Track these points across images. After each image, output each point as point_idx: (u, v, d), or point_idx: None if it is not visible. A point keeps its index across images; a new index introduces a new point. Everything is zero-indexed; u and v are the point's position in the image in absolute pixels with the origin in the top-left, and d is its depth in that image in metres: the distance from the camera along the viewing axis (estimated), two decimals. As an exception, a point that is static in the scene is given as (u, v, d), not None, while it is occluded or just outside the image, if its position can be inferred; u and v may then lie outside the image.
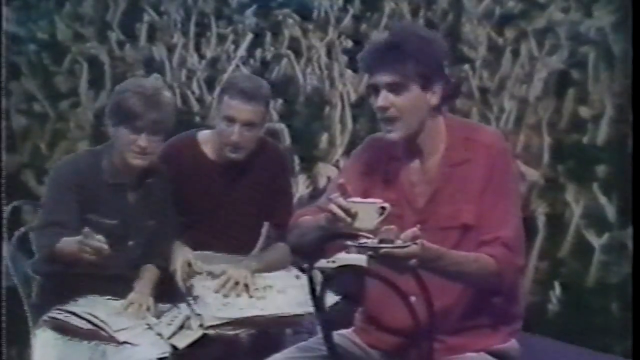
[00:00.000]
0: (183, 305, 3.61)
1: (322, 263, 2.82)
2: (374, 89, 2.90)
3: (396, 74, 2.84)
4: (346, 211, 2.66)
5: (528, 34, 7.19)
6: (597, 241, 5.44)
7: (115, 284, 3.63)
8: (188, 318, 3.54)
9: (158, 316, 3.61)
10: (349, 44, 7.38)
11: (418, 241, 2.62)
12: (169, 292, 3.74)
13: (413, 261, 2.63)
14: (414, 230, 2.64)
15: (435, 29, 7.55)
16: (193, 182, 3.78)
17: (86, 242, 3.33)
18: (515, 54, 6.99)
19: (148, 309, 3.60)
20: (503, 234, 2.85)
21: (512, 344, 3.04)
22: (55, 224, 3.60)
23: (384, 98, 2.86)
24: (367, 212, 2.69)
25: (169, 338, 3.47)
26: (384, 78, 2.86)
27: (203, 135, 3.92)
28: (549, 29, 7.24)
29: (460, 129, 2.95)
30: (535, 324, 5.08)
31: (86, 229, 3.35)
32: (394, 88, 2.85)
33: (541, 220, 5.58)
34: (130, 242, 3.62)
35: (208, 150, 3.85)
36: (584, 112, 6.51)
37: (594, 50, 6.85)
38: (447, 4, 7.72)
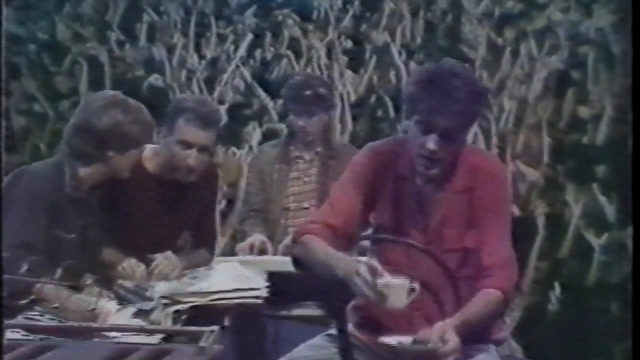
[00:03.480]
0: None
1: None
2: (426, 128, 2.88)
3: (455, 125, 2.88)
4: (379, 294, 2.72)
5: (528, 34, 7.20)
6: (596, 241, 5.44)
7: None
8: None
9: None
10: (349, 44, 7.40)
11: (447, 336, 2.73)
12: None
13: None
14: (440, 326, 2.74)
15: (435, 29, 7.59)
16: (130, 197, 3.73)
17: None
18: (515, 54, 7.01)
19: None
20: (501, 257, 2.94)
21: (505, 333, 3.18)
22: (22, 246, 3.29)
23: (437, 142, 2.87)
24: (398, 292, 2.76)
25: None
26: (442, 122, 2.86)
27: (146, 150, 3.87)
28: (549, 29, 7.25)
29: (465, 156, 3.01)
30: (535, 324, 5.09)
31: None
32: (450, 135, 2.89)
33: (541, 221, 5.59)
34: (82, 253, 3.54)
35: (150, 165, 3.80)
36: (584, 112, 6.53)
37: (593, 50, 6.86)
38: (446, 4, 7.73)
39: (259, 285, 3.48)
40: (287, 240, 4.06)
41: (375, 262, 2.76)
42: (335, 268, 2.81)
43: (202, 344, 2.13)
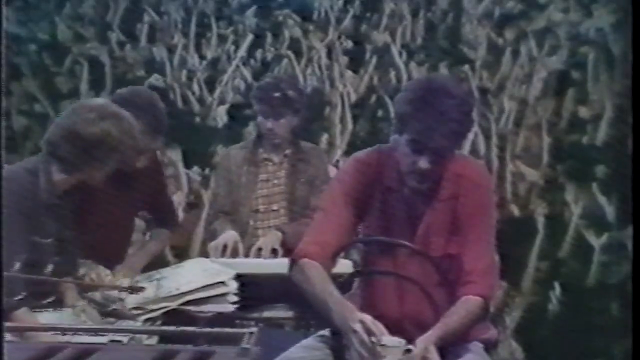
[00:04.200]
0: None
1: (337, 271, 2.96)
2: (417, 149, 2.90)
3: (444, 144, 2.90)
4: (374, 354, 2.74)
5: (528, 34, 7.21)
6: (596, 241, 5.45)
7: (46, 296, 3.51)
8: None
9: None
10: (349, 44, 7.41)
11: (429, 355, 2.75)
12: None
13: None
14: (422, 344, 2.74)
15: (435, 30, 7.60)
16: (84, 198, 3.73)
17: None
18: (515, 54, 7.01)
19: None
20: (483, 263, 2.97)
21: (493, 332, 3.20)
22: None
23: (429, 162, 2.91)
24: (393, 353, 2.75)
25: None
26: (432, 143, 2.88)
27: None
28: (549, 29, 7.26)
29: (451, 164, 3.02)
30: (535, 324, 5.10)
31: None
32: (441, 153, 2.92)
33: (541, 221, 5.60)
34: (57, 258, 3.52)
35: None
36: (584, 112, 6.53)
37: (593, 50, 6.87)
38: (447, 4, 7.74)
39: (228, 278, 3.46)
40: (259, 243, 4.11)
41: (372, 320, 2.75)
42: (332, 312, 2.82)
43: (244, 345, 2.13)
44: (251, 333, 2.15)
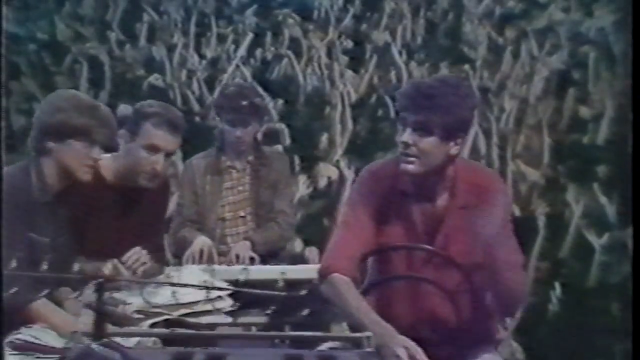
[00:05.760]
0: None
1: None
2: (403, 124, 3.01)
3: (423, 118, 2.96)
4: None
5: (528, 33, 7.21)
6: (597, 241, 5.45)
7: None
8: None
9: None
10: (349, 44, 7.41)
11: None
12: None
13: None
14: None
15: (436, 29, 7.60)
16: (88, 206, 3.70)
17: None
18: (516, 54, 7.01)
19: None
20: (517, 268, 3.01)
21: (503, 333, 3.26)
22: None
23: (408, 135, 2.98)
24: None
25: None
26: (412, 116, 2.98)
27: (104, 159, 3.83)
28: (550, 28, 7.26)
29: (466, 173, 3.07)
30: (535, 324, 5.09)
31: None
32: (419, 129, 2.98)
33: (541, 221, 5.59)
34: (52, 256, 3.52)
35: (108, 173, 3.77)
36: (584, 112, 6.53)
37: (594, 50, 6.87)
38: (447, 4, 7.74)
39: (225, 293, 3.46)
40: (235, 251, 4.14)
41: (414, 346, 2.75)
42: (369, 330, 2.81)
43: (367, 349, 2.14)
44: (368, 337, 2.15)
